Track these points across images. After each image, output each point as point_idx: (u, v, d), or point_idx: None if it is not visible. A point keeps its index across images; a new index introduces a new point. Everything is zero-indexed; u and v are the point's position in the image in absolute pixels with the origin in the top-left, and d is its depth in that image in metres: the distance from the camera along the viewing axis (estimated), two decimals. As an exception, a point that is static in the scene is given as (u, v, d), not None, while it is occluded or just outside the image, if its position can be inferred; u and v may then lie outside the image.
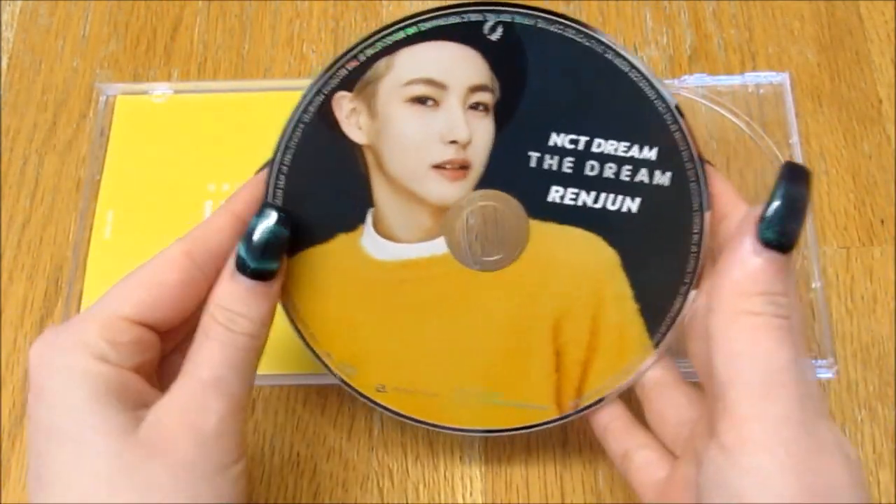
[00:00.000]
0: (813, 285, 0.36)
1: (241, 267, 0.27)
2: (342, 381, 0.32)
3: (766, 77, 0.40)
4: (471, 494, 0.35)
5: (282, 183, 0.30)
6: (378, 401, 0.32)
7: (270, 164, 0.30)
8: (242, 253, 0.27)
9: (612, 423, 0.31)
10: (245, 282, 0.27)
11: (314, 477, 0.35)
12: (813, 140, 0.41)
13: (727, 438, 0.24)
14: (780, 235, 0.25)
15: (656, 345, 0.31)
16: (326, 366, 0.31)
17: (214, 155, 0.40)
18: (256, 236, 0.27)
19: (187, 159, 0.40)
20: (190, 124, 0.40)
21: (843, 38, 0.43)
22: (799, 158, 0.39)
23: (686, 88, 0.40)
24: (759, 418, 0.24)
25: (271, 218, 0.27)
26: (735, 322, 0.25)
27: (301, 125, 0.30)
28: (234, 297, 0.27)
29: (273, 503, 0.35)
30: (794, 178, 0.26)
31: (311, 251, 0.31)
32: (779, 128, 0.39)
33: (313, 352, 0.31)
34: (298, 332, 0.31)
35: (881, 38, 0.43)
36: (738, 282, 0.25)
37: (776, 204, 0.25)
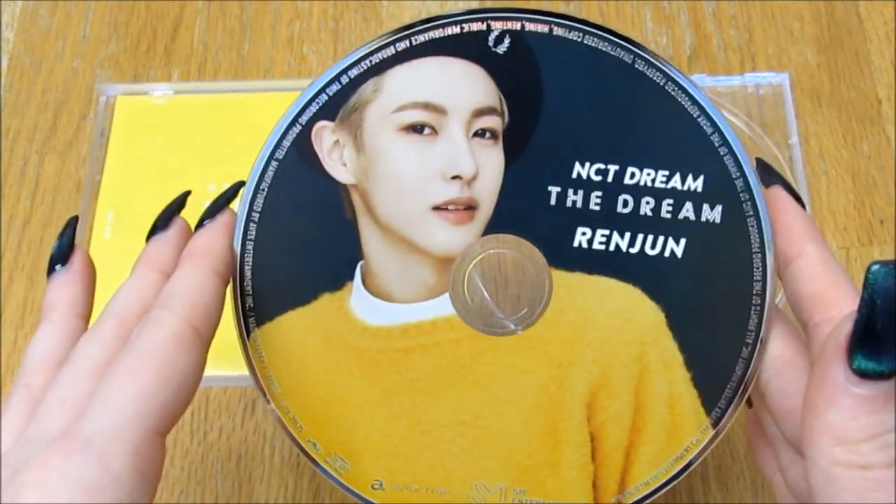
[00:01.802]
0: None
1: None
2: (331, 477, 0.26)
3: (765, 77, 0.40)
4: (471, 494, 0.35)
5: (253, 233, 0.25)
6: (374, 501, 0.26)
7: (240, 208, 0.26)
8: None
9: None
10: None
11: (314, 477, 0.35)
12: (812, 140, 0.41)
13: None
14: (879, 363, 0.19)
15: (715, 423, 0.25)
16: (311, 458, 0.26)
17: (214, 155, 0.40)
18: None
19: (187, 160, 0.40)
20: (190, 125, 0.40)
21: (843, 38, 0.43)
22: (798, 159, 0.39)
23: (686, 89, 0.40)
24: None
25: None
26: (839, 481, 0.20)
27: (274, 162, 0.26)
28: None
29: (273, 503, 0.35)
30: (892, 277, 0.19)
31: (289, 316, 0.26)
32: (778, 128, 0.40)
33: (296, 442, 0.26)
34: (277, 417, 0.26)
35: (881, 38, 0.43)
36: (835, 428, 0.20)
37: (867, 319, 0.19)
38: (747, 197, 0.25)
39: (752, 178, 0.25)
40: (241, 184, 0.26)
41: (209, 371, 0.31)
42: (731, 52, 0.43)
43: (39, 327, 0.25)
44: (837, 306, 0.22)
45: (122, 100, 0.41)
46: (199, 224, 0.26)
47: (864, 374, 0.19)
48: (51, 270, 0.26)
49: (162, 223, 0.26)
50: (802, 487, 0.23)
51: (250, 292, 0.26)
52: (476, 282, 0.27)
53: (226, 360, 0.35)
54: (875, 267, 0.19)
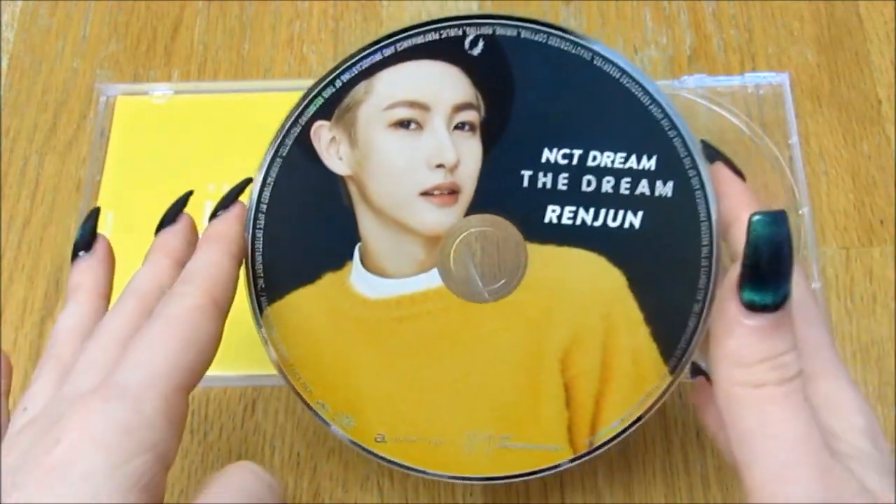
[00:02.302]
0: (812, 286, 0.36)
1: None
2: (339, 433, 0.29)
3: (765, 77, 0.40)
4: (471, 494, 0.35)
5: (262, 222, 0.29)
6: (378, 452, 0.29)
7: (250, 200, 0.29)
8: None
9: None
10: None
11: (314, 477, 0.36)
12: (812, 140, 0.41)
13: None
14: (764, 296, 0.22)
15: (672, 370, 0.28)
16: (321, 417, 0.29)
17: (215, 155, 0.40)
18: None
19: (187, 160, 0.40)
20: (190, 125, 0.41)
21: (843, 38, 0.43)
22: (798, 159, 0.39)
23: (686, 89, 0.40)
24: (781, 501, 0.22)
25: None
26: (739, 399, 0.23)
27: (279, 159, 0.29)
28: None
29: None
30: (768, 225, 0.22)
31: (296, 294, 0.29)
32: (778, 128, 0.40)
33: (306, 403, 0.29)
34: (289, 382, 0.29)
35: (881, 38, 0.43)
36: (733, 354, 0.23)
37: (751, 261, 0.22)
38: (695, 173, 0.28)
39: (698, 158, 0.28)
40: (249, 180, 0.29)
41: (210, 371, 0.31)
42: (731, 52, 0.43)
43: (66, 307, 0.27)
44: None
45: (122, 100, 0.41)
46: (214, 215, 0.28)
47: (752, 307, 0.22)
48: (75, 256, 0.28)
49: (169, 218, 0.29)
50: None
51: (261, 274, 0.29)
52: (464, 257, 0.30)
53: (226, 361, 0.35)
54: (756, 217, 0.22)
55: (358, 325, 0.29)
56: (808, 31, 0.43)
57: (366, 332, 0.29)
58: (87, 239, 0.29)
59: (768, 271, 0.22)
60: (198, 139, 0.40)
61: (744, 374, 0.23)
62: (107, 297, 0.28)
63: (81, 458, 0.21)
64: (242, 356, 0.32)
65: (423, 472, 0.29)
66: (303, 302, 0.29)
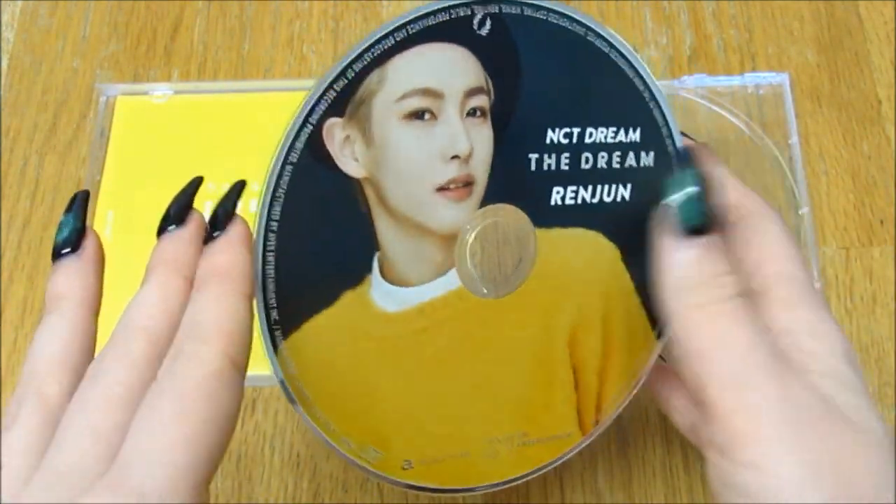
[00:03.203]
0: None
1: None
2: (365, 469, 0.27)
3: (765, 77, 0.41)
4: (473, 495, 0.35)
5: (273, 243, 0.25)
6: (406, 481, 0.27)
7: (258, 218, 0.25)
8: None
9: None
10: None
11: (314, 477, 0.36)
12: (812, 140, 0.41)
13: (719, 439, 0.23)
14: (692, 220, 0.24)
15: (658, 335, 0.29)
16: (345, 455, 0.26)
17: (215, 155, 0.40)
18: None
19: (187, 159, 0.40)
20: (190, 125, 0.40)
21: (843, 38, 0.43)
22: (798, 159, 0.39)
23: (685, 89, 0.40)
24: (741, 411, 0.22)
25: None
26: (687, 323, 0.24)
27: (289, 167, 0.25)
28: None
29: (273, 503, 0.35)
30: (681, 162, 0.25)
31: (314, 320, 0.26)
32: (778, 128, 0.40)
33: (330, 444, 0.26)
34: (310, 422, 0.26)
35: (881, 38, 0.43)
36: (675, 282, 0.24)
37: (673, 193, 0.24)
38: (671, 141, 0.29)
39: (673, 124, 0.28)
40: (243, 184, 0.25)
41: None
42: (731, 52, 0.43)
43: (46, 319, 0.23)
44: (748, 206, 0.27)
45: (122, 100, 0.41)
46: (210, 235, 0.24)
47: (686, 233, 0.24)
48: (57, 255, 0.24)
49: (176, 215, 0.25)
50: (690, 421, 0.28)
51: (274, 305, 0.25)
52: (480, 253, 0.29)
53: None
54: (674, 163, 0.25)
55: (379, 345, 0.27)
56: (808, 31, 0.43)
57: (387, 351, 0.27)
58: (73, 234, 0.24)
59: (690, 196, 0.24)
60: (198, 139, 0.40)
61: (687, 298, 0.24)
62: (95, 312, 0.24)
63: None
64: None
65: (451, 491, 0.28)
66: (321, 329, 0.26)
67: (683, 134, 0.29)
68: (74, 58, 0.44)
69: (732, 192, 0.27)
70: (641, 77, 0.28)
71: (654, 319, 0.29)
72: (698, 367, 0.23)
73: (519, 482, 0.29)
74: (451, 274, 0.27)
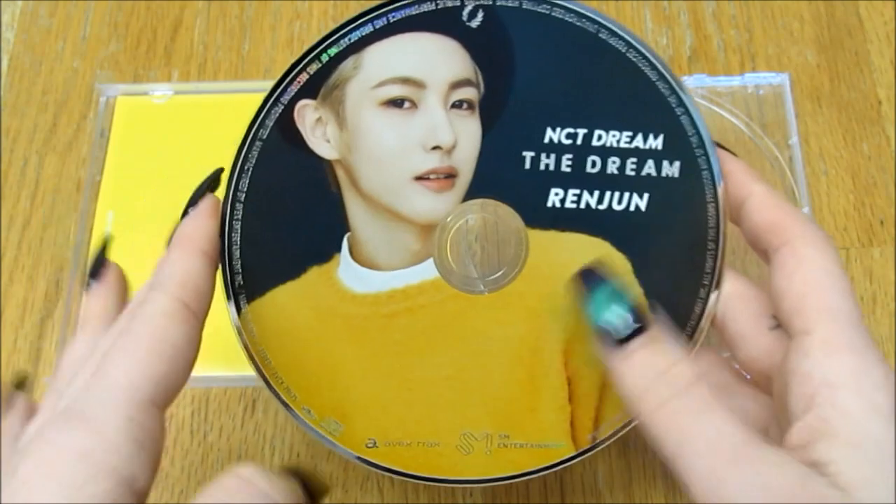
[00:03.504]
0: None
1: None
2: (325, 439, 0.27)
3: (765, 78, 0.40)
4: (471, 495, 0.35)
5: (239, 212, 0.26)
6: (369, 459, 0.27)
7: (226, 189, 0.26)
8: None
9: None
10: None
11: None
12: (812, 141, 0.41)
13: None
14: (619, 332, 0.23)
15: None
16: (306, 424, 0.27)
17: (215, 156, 0.39)
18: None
19: (187, 160, 0.40)
20: (190, 125, 0.40)
21: (843, 39, 0.43)
22: (798, 159, 0.39)
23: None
24: None
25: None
26: (651, 427, 0.23)
27: (258, 142, 0.26)
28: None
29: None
30: (586, 282, 0.24)
31: (279, 290, 0.27)
32: (778, 128, 0.40)
33: (290, 409, 0.27)
34: (270, 387, 0.27)
35: (881, 39, 0.43)
36: (629, 392, 0.23)
37: (592, 310, 0.24)
38: (702, 152, 0.27)
39: (706, 136, 0.27)
40: (221, 170, 0.27)
41: (209, 371, 0.31)
42: (731, 52, 0.43)
43: (75, 338, 0.27)
44: (791, 230, 0.25)
45: (122, 100, 0.41)
46: (185, 213, 0.26)
47: (616, 343, 0.23)
48: (87, 286, 0.27)
49: (191, 201, 0.27)
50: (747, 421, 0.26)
51: (239, 270, 0.26)
52: (461, 246, 0.28)
53: (226, 361, 0.35)
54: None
55: (345, 322, 0.27)
56: (808, 31, 0.43)
57: (354, 329, 0.27)
58: (96, 268, 0.27)
59: (610, 309, 0.23)
60: (198, 139, 0.40)
61: (645, 405, 0.23)
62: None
63: (36, 492, 0.20)
64: (242, 356, 0.32)
65: (418, 478, 0.28)
66: (286, 299, 0.27)
67: (718, 145, 0.27)
68: (74, 58, 0.44)
69: (774, 212, 0.25)
70: (667, 81, 0.27)
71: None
72: (676, 470, 0.22)
73: (499, 483, 0.28)
74: (428, 264, 0.27)
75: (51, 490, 0.20)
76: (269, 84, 0.42)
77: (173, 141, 0.40)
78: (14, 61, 0.44)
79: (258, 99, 0.41)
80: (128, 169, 0.40)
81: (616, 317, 0.23)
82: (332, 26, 0.45)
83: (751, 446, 0.21)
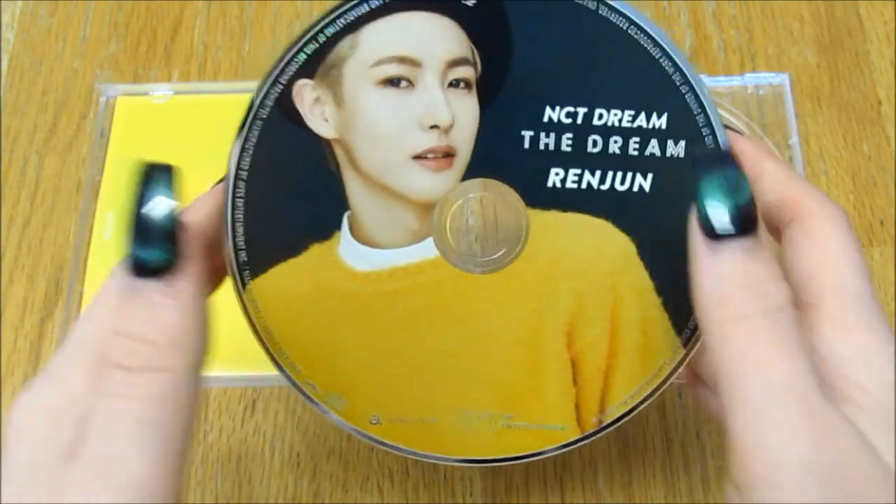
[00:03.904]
0: None
1: (133, 267, 0.22)
2: (330, 414, 0.27)
3: (765, 78, 0.41)
4: (471, 495, 0.35)
5: (241, 190, 0.27)
6: (373, 435, 0.27)
7: (227, 168, 0.27)
8: (131, 250, 0.22)
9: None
10: (137, 285, 0.22)
11: (314, 477, 0.36)
12: (812, 141, 0.41)
13: (735, 475, 0.21)
14: (725, 223, 0.21)
15: (685, 343, 0.27)
16: (310, 398, 0.27)
17: (215, 156, 0.39)
18: (138, 221, 0.22)
19: (188, 160, 0.39)
20: (190, 125, 0.41)
21: (843, 39, 0.43)
22: (798, 159, 0.39)
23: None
24: (762, 454, 0.20)
25: (159, 204, 0.23)
26: (719, 337, 0.21)
27: (258, 122, 0.27)
28: (127, 317, 0.22)
29: (273, 503, 0.35)
30: (712, 159, 0.22)
31: (281, 267, 0.27)
32: (778, 129, 0.40)
33: (294, 384, 0.27)
34: (275, 361, 0.27)
35: (881, 39, 0.43)
36: (711, 290, 0.22)
37: (705, 193, 0.22)
38: (708, 131, 0.26)
39: (713, 114, 0.26)
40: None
41: (209, 371, 0.31)
42: (731, 52, 0.43)
43: None
44: (803, 204, 0.24)
45: (122, 100, 0.41)
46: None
47: (717, 236, 0.21)
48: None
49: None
50: None
51: (243, 247, 0.27)
52: (460, 225, 0.28)
53: (226, 361, 0.35)
54: (698, 157, 0.23)
55: (347, 299, 0.27)
56: (808, 31, 0.43)
57: (356, 307, 0.27)
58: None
59: (720, 194, 0.22)
60: (198, 139, 0.40)
61: (720, 310, 0.21)
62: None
63: (11, 450, 0.21)
64: (242, 356, 0.32)
65: (420, 455, 0.28)
66: (288, 276, 0.27)
67: (727, 127, 0.26)
68: (74, 58, 0.44)
69: (786, 189, 0.25)
70: (671, 58, 0.26)
71: (681, 324, 0.27)
72: (726, 390, 0.21)
73: (502, 464, 0.28)
74: (428, 242, 0.27)
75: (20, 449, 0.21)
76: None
77: (173, 141, 0.40)
78: (14, 61, 0.44)
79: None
80: (128, 169, 0.40)
81: (723, 207, 0.21)
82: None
83: (819, 398, 0.20)
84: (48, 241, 0.40)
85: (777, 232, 0.25)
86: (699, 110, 0.26)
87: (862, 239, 0.39)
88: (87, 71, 0.44)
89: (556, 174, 0.27)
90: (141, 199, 0.23)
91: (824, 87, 0.42)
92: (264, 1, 0.45)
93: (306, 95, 0.27)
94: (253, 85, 0.42)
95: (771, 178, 0.25)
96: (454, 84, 0.27)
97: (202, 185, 0.39)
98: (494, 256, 0.28)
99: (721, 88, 0.40)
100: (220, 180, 0.27)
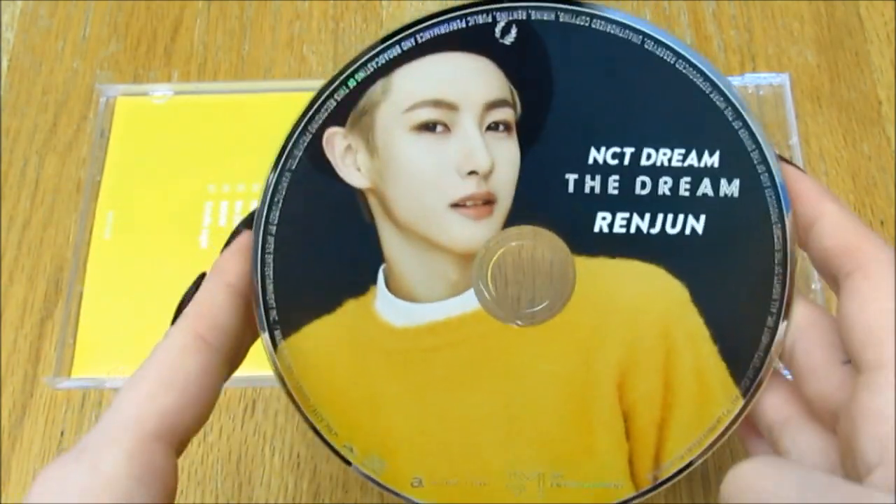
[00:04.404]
0: (813, 286, 0.36)
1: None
2: (370, 478, 0.26)
3: (765, 78, 0.40)
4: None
5: (270, 246, 0.25)
6: (416, 499, 0.26)
7: (255, 223, 0.26)
8: None
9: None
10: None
11: (314, 478, 0.35)
12: (813, 141, 0.41)
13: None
14: None
15: (745, 392, 0.25)
16: (349, 462, 0.26)
17: (215, 156, 0.40)
18: None
19: (187, 160, 0.40)
20: (190, 125, 0.40)
21: (843, 39, 0.43)
22: (799, 159, 0.39)
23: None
24: None
25: None
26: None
27: (287, 173, 0.26)
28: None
29: (273, 503, 0.35)
30: None
31: (315, 325, 0.26)
32: (779, 129, 0.40)
33: (331, 447, 0.26)
34: (310, 424, 0.26)
35: (881, 39, 0.43)
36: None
37: None
38: (764, 169, 0.25)
39: (768, 150, 0.25)
40: (255, 212, 0.26)
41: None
42: (731, 52, 0.43)
43: None
44: (867, 254, 0.23)
45: (122, 100, 0.41)
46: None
47: None
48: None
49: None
50: (814, 461, 0.24)
51: (273, 305, 0.26)
52: (503, 276, 0.27)
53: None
54: None
55: (386, 357, 0.26)
56: (808, 31, 0.43)
57: (395, 364, 0.26)
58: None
59: None
60: (198, 140, 0.40)
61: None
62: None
63: None
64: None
65: None
66: (322, 334, 0.26)
67: (782, 158, 0.25)
68: (74, 58, 0.44)
69: (848, 235, 0.23)
70: (722, 92, 0.25)
71: (739, 373, 0.25)
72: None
73: None
74: (468, 295, 0.26)
75: None
76: (270, 84, 0.42)
77: (173, 141, 0.40)
78: (14, 61, 0.44)
79: (258, 99, 0.41)
80: (128, 169, 0.40)
81: None
82: (332, 26, 0.45)
83: None
84: (48, 241, 0.40)
85: (834, 280, 0.24)
86: (753, 146, 0.25)
87: (862, 239, 0.39)
88: (87, 71, 0.44)
89: (603, 218, 0.26)
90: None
91: (824, 88, 0.42)
92: (264, 1, 0.45)
93: (337, 144, 0.26)
94: (253, 85, 0.42)
95: (832, 222, 0.24)
96: (493, 127, 0.26)
97: (202, 185, 0.39)
98: (539, 308, 0.27)
99: (721, 88, 0.40)
100: (244, 223, 0.26)
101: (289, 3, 0.45)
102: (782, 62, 0.42)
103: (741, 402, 0.25)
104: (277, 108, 0.40)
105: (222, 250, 0.26)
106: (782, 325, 0.25)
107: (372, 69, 0.26)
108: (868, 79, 0.42)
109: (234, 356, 0.25)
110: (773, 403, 0.25)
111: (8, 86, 0.44)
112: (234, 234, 0.26)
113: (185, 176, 0.39)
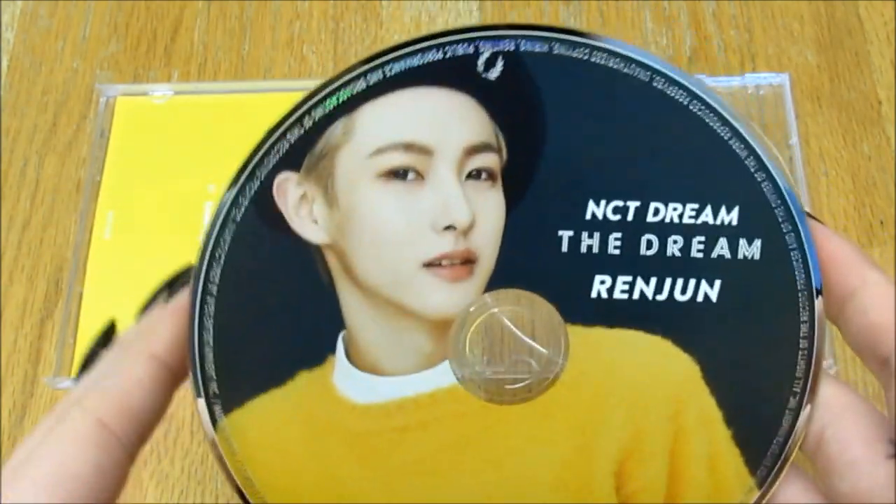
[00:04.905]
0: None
1: None
2: None
3: (765, 78, 0.40)
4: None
5: (211, 308, 0.22)
6: None
7: (193, 281, 0.22)
8: None
9: None
10: None
11: (314, 478, 0.36)
12: (812, 141, 0.41)
13: None
14: None
15: (761, 483, 0.22)
16: None
17: (215, 156, 0.40)
18: None
19: (187, 160, 0.40)
20: (190, 125, 0.41)
21: (843, 39, 0.43)
22: (798, 160, 0.39)
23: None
24: None
25: None
26: None
27: (231, 224, 0.22)
28: None
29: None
30: None
31: (261, 399, 0.22)
32: (778, 129, 0.40)
33: None
34: None
35: (881, 39, 0.43)
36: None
37: None
38: (790, 227, 0.22)
39: (795, 206, 0.22)
40: (113, 328, 0.24)
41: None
42: (731, 52, 0.43)
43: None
44: None
45: (122, 100, 0.41)
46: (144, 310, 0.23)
47: None
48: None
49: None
50: None
51: (213, 376, 0.22)
52: (484, 347, 0.23)
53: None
54: None
55: (347, 438, 0.22)
56: (808, 31, 0.43)
57: (358, 447, 0.22)
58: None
59: None
60: (198, 140, 0.40)
61: None
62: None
63: None
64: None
65: None
66: (271, 410, 0.22)
67: (810, 216, 0.22)
68: (74, 58, 0.44)
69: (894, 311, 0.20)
70: (744, 139, 0.22)
71: (755, 461, 0.22)
72: None
73: None
74: (443, 368, 0.23)
75: None
76: (270, 84, 0.42)
77: (173, 141, 0.40)
78: (14, 61, 0.44)
79: (258, 100, 0.41)
80: (128, 169, 0.40)
81: None
82: (332, 26, 0.45)
83: None
84: (48, 241, 0.40)
85: (881, 362, 0.20)
86: (778, 202, 0.22)
87: (862, 239, 0.39)
88: (87, 71, 0.44)
89: (602, 283, 0.22)
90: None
91: (824, 88, 0.42)
92: (264, 1, 0.45)
93: (290, 192, 0.22)
94: (253, 85, 0.42)
95: (879, 293, 0.20)
96: (474, 175, 0.23)
97: (202, 185, 0.39)
98: (526, 383, 0.23)
99: (721, 89, 0.40)
100: (176, 282, 0.22)
101: (289, 3, 0.45)
102: (782, 62, 0.42)
103: (756, 494, 0.22)
104: (277, 108, 0.40)
105: (139, 315, 0.22)
106: (806, 409, 0.21)
107: (332, 106, 0.22)
108: (868, 79, 0.42)
109: (144, 441, 0.21)
110: (793, 494, 0.22)
111: (8, 86, 0.44)
112: (151, 301, 0.22)
113: (185, 176, 0.39)
